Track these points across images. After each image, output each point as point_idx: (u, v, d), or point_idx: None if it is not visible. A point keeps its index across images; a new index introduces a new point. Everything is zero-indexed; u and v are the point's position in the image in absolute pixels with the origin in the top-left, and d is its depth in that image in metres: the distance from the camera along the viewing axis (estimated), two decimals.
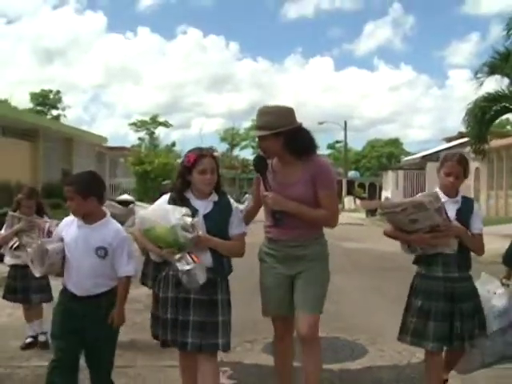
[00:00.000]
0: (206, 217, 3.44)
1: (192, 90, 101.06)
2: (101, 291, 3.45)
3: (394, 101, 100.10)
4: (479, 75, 14.85)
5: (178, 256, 3.28)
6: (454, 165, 3.73)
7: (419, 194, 3.76)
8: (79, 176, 3.60)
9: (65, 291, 3.53)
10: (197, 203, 3.48)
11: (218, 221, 3.46)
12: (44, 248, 3.44)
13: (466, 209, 3.76)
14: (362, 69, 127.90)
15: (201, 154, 3.46)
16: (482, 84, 14.88)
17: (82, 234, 3.44)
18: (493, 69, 14.60)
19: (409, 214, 3.51)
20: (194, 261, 3.27)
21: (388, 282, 8.83)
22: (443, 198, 3.70)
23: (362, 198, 43.48)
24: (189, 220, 3.28)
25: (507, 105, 14.77)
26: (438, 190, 3.79)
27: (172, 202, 3.49)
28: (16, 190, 18.65)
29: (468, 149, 16.50)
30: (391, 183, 36.20)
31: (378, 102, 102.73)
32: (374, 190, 47.55)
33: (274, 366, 3.90)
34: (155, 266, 5.61)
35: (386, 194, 35.29)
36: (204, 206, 3.48)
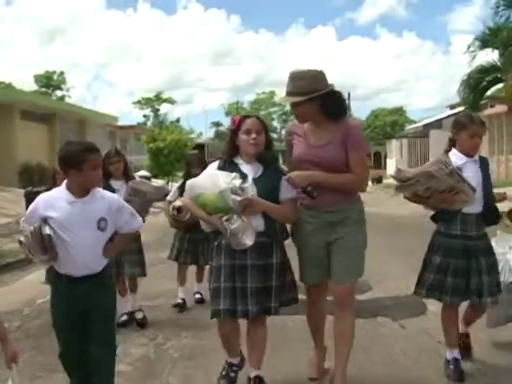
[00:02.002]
0: (255, 181, 3.38)
1: (194, 65, 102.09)
2: (101, 267, 3.15)
3: (397, 69, 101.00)
4: (472, 48, 15.64)
5: (226, 217, 3.25)
6: (478, 126, 3.75)
7: (429, 162, 3.79)
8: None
9: (59, 278, 3.13)
10: (246, 168, 3.44)
11: (268, 185, 3.40)
12: (45, 233, 2.97)
13: (484, 167, 3.81)
14: (365, 37, 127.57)
15: (245, 115, 3.51)
16: (474, 57, 15.72)
17: (78, 209, 3.03)
18: (484, 43, 15.43)
19: (422, 184, 3.58)
20: (243, 220, 3.26)
21: (399, 240, 9.73)
22: (462, 159, 3.73)
23: None
24: (238, 183, 3.24)
25: (499, 75, 15.67)
26: (454, 151, 3.79)
27: (221, 167, 3.46)
28: (37, 171, 19.69)
29: None
30: (395, 152, 36.68)
31: (382, 71, 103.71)
32: (379, 159, 48.26)
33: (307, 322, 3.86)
34: (180, 238, 5.52)
35: (391, 162, 35.89)
36: (254, 171, 3.44)
